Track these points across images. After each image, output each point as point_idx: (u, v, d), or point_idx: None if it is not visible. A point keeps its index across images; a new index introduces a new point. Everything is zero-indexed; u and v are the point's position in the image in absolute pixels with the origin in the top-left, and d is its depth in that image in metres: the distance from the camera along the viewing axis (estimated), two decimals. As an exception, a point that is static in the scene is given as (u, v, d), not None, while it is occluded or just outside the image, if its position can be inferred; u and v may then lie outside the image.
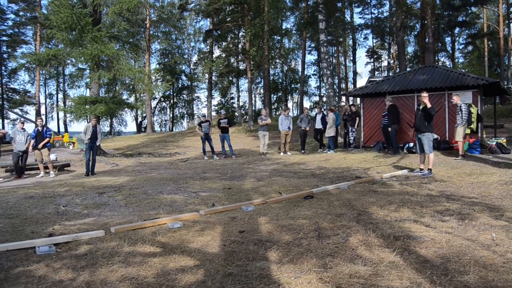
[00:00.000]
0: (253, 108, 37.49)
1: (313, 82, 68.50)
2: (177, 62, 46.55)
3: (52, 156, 13.13)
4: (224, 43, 38.98)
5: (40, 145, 11.33)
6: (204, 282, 2.86)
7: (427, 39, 27.89)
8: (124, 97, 43.47)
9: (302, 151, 15.15)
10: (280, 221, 4.61)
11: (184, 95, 52.26)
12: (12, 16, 40.09)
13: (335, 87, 37.55)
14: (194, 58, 49.55)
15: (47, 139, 11.49)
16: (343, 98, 39.78)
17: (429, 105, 8.27)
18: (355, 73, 50.65)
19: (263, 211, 5.18)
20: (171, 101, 51.29)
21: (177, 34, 46.29)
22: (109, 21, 20.56)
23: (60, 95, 48.56)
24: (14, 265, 3.35)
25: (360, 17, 52.53)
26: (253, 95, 38.94)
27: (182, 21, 45.00)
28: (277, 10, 29.64)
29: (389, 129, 12.64)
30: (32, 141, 11.36)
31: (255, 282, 2.82)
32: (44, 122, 11.81)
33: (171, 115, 52.32)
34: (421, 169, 8.51)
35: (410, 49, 46.82)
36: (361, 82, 54.15)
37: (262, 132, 14.68)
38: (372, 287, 2.69)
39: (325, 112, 16.40)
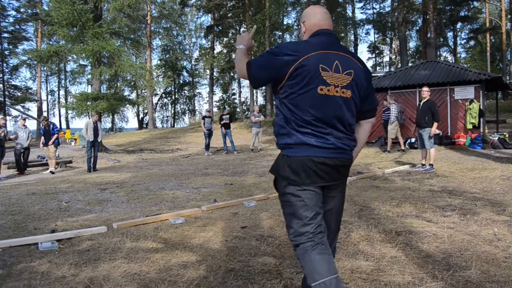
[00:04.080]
0: (255, 104, 37.47)
1: (314, 78, 68.48)
2: (179, 58, 46.54)
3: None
4: (225, 39, 38.91)
5: (50, 142, 11.43)
6: (206, 277, 2.87)
7: (429, 34, 27.77)
8: (126, 93, 43.54)
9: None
10: (281, 217, 4.60)
11: (186, 91, 52.26)
12: (13, 12, 40.01)
13: (336, 82, 37.36)
14: (196, 54, 49.57)
15: (55, 136, 11.59)
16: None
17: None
18: (356, 69, 50.43)
19: (265, 207, 5.18)
20: (173, 97, 51.27)
21: (178, 30, 46.21)
22: (110, 17, 20.56)
23: (62, 92, 48.63)
24: (17, 261, 3.36)
25: (361, 12, 52.43)
26: (254, 91, 38.89)
27: (183, 17, 44.90)
28: (278, 5, 29.55)
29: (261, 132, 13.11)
30: (42, 138, 11.54)
31: (257, 278, 2.82)
32: (48, 121, 11.89)
33: (172, 111, 52.34)
34: (422, 165, 8.50)
35: (412, 44, 46.74)
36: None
37: (255, 129, 14.67)
38: (374, 282, 2.69)
39: None
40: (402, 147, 12.17)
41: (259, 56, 2.04)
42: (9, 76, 41.69)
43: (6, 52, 40.13)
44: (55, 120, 45.51)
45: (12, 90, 42.00)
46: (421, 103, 8.54)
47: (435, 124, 8.23)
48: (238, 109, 43.51)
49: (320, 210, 2.00)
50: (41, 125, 12.29)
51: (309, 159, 1.94)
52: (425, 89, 8.54)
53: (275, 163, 2.11)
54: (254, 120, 14.63)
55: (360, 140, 2.19)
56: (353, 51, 47.80)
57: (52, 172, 11.22)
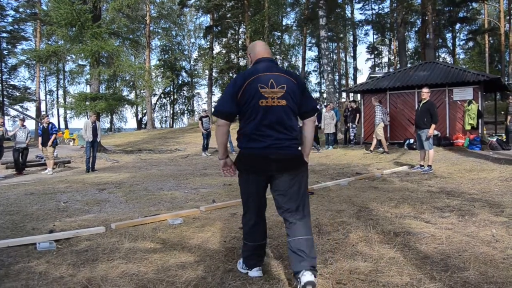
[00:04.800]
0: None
1: (313, 78, 68.14)
2: (177, 59, 46.46)
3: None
4: (224, 39, 38.88)
5: (50, 143, 11.37)
6: (204, 278, 2.87)
7: (427, 35, 27.81)
8: (124, 93, 43.40)
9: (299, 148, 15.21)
10: (279, 217, 4.57)
11: (185, 92, 52.15)
12: (12, 12, 39.98)
13: (335, 83, 37.52)
14: (195, 55, 49.48)
15: (54, 136, 11.53)
16: (344, 95, 39.77)
17: None
18: (355, 69, 50.54)
19: (264, 208, 5.17)
20: (172, 97, 51.18)
21: (177, 30, 46.17)
22: (109, 17, 20.52)
23: (60, 92, 48.50)
24: (15, 261, 3.35)
25: (360, 13, 52.47)
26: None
27: (182, 17, 44.88)
28: (278, 6, 29.56)
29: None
30: (40, 139, 11.44)
31: (255, 278, 2.82)
32: (49, 119, 11.85)
33: (171, 112, 52.25)
34: (421, 165, 8.51)
35: (410, 45, 46.72)
36: (362, 78, 54.17)
37: None
38: (372, 283, 2.69)
39: (324, 110, 16.36)
40: (372, 148, 12.31)
41: (223, 97, 2.79)
42: (8, 76, 41.61)
43: (5, 52, 40.05)
44: (53, 120, 45.39)
45: (10, 90, 41.93)
46: (420, 104, 8.54)
47: (433, 126, 8.20)
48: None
49: (262, 193, 2.86)
50: (39, 125, 12.23)
51: (254, 156, 2.70)
52: (425, 90, 8.50)
53: (235, 158, 2.86)
54: None
55: (306, 137, 2.88)
56: (352, 52, 47.91)
57: (50, 173, 11.19)
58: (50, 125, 11.61)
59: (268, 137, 2.66)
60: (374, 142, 12.39)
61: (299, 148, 2.84)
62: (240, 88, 2.67)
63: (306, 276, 2.52)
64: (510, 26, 34.84)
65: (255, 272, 2.88)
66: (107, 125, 46.92)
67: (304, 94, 2.80)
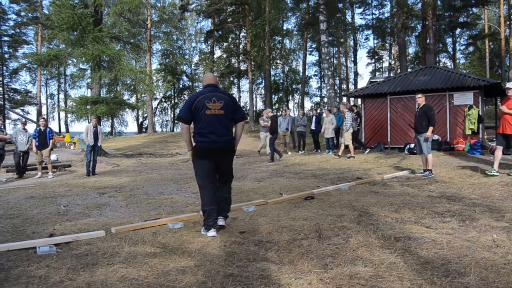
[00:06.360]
0: (254, 108, 37.50)
1: (314, 83, 68.22)
2: (178, 63, 46.55)
3: (53, 157, 13.15)
4: (225, 44, 38.95)
5: (49, 148, 11.34)
6: (204, 282, 2.86)
7: (428, 40, 27.87)
8: (125, 97, 43.25)
9: (300, 151, 15.21)
10: (280, 222, 4.60)
11: (185, 96, 52.18)
12: (14, 16, 40.13)
13: (336, 87, 37.53)
14: (195, 59, 49.60)
15: (51, 141, 11.49)
16: (344, 99, 39.77)
17: None
18: (356, 74, 50.49)
19: (264, 212, 5.17)
20: (172, 101, 51.28)
21: (178, 34, 46.30)
22: (110, 21, 20.61)
23: (61, 96, 48.60)
24: (15, 265, 3.35)
25: (361, 18, 52.51)
26: (254, 96, 38.99)
27: (183, 22, 44.99)
28: (278, 10, 29.65)
29: (269, 136, 13.09)
30: (34, 141, 11.32)
31: (255, 283, 2.82)
32: (46, 123, 11.78)
33: (172, 116, 52.33)
34: (424, 170, 8.50)
35: (411, 50, 46.80)
36: (362, 83, 54.24)
37: (263, 133, 14.60)
38: (373, 288, 2.68)
39: (324, 114, 16.37)
40: (340, 153, 12.56)
41: (182, 108, 4.26)
42: (9, 80, 41.72)
43: (6, 56, 40.16)
44: (54, 123, 45.50)
45: (12, 94, 42.01)
46: (418, 108, 8.60)
47: (430, 128, 8.21)
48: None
49: (211, 171, 4.25)
50: (36, 127, 12.17)
51: (202, 148, 4.18)
52: (419, 95, 8.64)
53: (193, 148, 4.30)
54: (262, 124, 14.53)
55: (237, 134, 4.45)
56: (352, 56, 47.96)
57: (51, 176, 11.18)
58: (48, 129, 11.54)
59: (213, 134, 4.11)
60: (342, 147, 12.62)
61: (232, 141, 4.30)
62: (193, 103, 4.12)
63: (220, 220, 4.22)
64: (510, 31, 34.92)
65: (211, 233, 4.09)
66: (108, 129, 46.91)
67: (235, 106, 4.30)
